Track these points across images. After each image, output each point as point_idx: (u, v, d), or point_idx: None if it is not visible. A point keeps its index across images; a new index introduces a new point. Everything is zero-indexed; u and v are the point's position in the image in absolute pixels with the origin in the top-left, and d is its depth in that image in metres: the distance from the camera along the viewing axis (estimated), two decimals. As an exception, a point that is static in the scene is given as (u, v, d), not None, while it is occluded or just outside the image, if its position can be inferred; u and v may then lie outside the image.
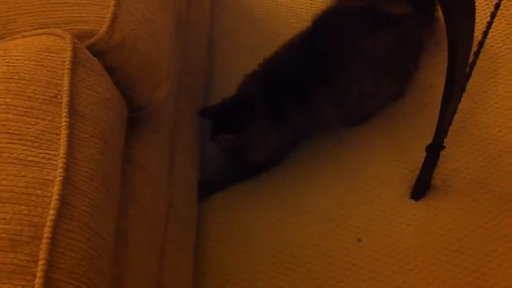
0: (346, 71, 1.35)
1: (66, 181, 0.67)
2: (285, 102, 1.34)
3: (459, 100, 1.13)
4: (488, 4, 1.60)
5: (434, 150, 1.22)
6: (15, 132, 0.69)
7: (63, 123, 0.71)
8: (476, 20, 0.99)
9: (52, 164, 0.68)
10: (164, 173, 1.11)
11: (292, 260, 1.27)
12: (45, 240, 0.62)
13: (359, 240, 1.28)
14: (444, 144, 1.21)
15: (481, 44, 1.06)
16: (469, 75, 1.10)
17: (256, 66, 1.39)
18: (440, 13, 1.44)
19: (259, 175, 1.42)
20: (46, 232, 0.63)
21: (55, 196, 0.65)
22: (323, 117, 1.38)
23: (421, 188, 1.31)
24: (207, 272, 1.27)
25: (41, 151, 0.68)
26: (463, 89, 1.12)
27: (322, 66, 1.34)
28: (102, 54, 0.87)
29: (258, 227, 1.33)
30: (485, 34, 1.05)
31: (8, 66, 0.75)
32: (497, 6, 0.99)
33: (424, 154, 1.24)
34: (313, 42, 1.38)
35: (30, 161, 0.67)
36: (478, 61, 1.08)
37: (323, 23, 1.43)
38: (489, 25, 1.03)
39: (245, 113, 1.33)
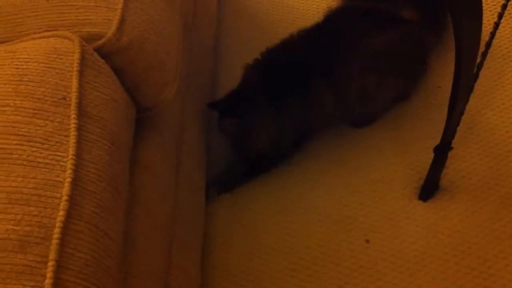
0: (347, 65, 1.35)
1: (75, 182, 0.68)
2: (285, 90, 1.35)
3: (467, 101, 1.13)
4: (495, 5, 1.60)
5: (442, 151, 1.22)
6: (25, 133, 0.69)
7: (72, 125, 0.72)
8: (483, 21, 0.99)
9: (61, 165, 0.68)
10: (170, 174, 1.12)
11: (298, 261, 1.27)
12: (54, 241, 0.62)
13: (367, 241, 1.27)
14: (452, 145, 1.21)
15: (488, 44, 1.06)
16: (476, 76, 1.10)
17: (259, 55, 1.40)
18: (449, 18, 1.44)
19: (264, 172, 1.42)
20: (56, 233, 0.63)
21: (64, 197, 0.65)
22: (324, 109, 1.38)
23: (429, 189, 1.31)
24: (212, 273, 1.27)
25: (50, 152, 0.68)
26: (470, 90, 1.12)
27: (325, 58, 1.35)
28: (109, 56, 0.87)
29: (263, 228, 1.33)
30: (492, 35, 1.05)
31: (17, 68, 0.76)
32: (504, 7, 0.99)
33: (431, 155, 1.24)
34: (317, 35, 1.39)
35: (39, 162, 0.67)
36: (485, 62, 1.08)
37: (330, 19, 1.44)
38: (496, 25, 1.03)
39: (245, 99, 1.35)
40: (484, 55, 1.07)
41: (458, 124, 1.17)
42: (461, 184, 1.33)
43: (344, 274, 1.23)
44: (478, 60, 1.06)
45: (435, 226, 1.28)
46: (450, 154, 1.24)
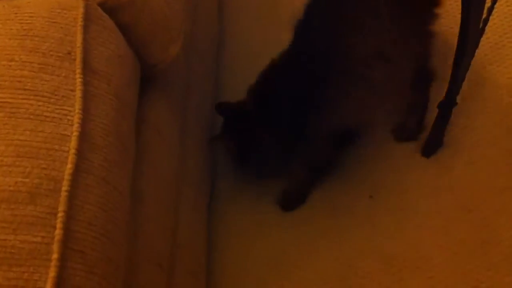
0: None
1: (82, 136, 0.68)
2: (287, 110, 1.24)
3: (472, 57, 1.12)
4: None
5: (447, 107, 1.22)
6: (31, 88, 0.70)
7: (78, 79, 0.72)
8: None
9: (68, 119, 0.69)
10: (177, 133, 1.12)
11: (301, 216, 1.29)
12: (63, 193, 0.64)
13: (371, 197, 1.29)
14: (457, 100, 1.21)
15: (494, 0, 1.05)
16: (482, 31, 1.09)
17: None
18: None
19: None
20: (65, 186, 0.64)
21: (72, 151, 0.66)
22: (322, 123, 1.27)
23: (433, 145, 1.31)
24: (219, 233, 1.29)
25: (57, 106, 0.69)
26: (476, 44, 1.11)
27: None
28: (113, 11, 0.87)
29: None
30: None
31: (21, 23, 0.76)
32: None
33: (435, 111, 1.24)
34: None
35: (46, 116, 0.68)
36: (491, 17, 1.07)
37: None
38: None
39: (244, 123, 1.27)
40: (490, 10, 1.06)
41: (463, 80, 1.17)
42: (465, 140, 1.33)
43: (346, 228, 1.25)
44: (484, 16, 1.05)
45: (438, 182, 1.28)
46: (454, 110, 1.24)
